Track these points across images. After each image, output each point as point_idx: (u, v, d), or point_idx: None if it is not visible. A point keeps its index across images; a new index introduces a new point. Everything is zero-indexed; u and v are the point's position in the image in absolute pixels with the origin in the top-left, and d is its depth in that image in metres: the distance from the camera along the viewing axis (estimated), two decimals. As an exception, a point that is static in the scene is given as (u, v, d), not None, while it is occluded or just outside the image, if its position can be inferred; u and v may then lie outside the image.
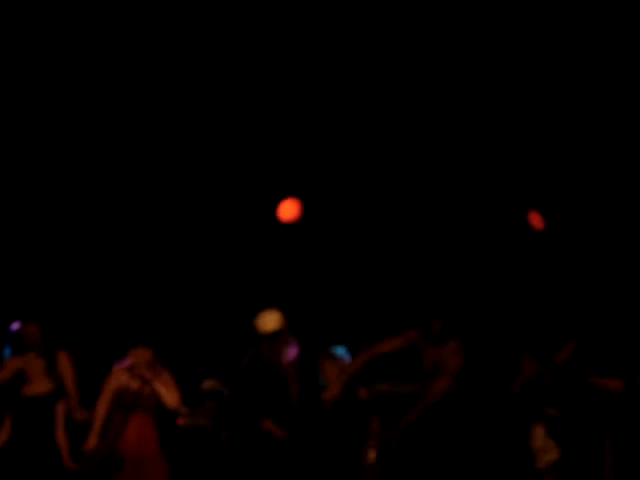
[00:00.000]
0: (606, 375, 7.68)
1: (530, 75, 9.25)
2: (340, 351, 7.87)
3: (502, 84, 9.32)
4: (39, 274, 9.50)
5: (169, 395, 7.33)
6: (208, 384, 8.83)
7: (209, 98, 9.46)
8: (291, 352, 7.99)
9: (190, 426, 8.45)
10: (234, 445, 7.96)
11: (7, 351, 7.51)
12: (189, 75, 9.36)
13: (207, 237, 9.83)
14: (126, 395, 7.34)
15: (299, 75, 9.39)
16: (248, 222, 9.79)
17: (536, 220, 9.52)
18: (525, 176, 9.57)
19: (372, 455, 7.66)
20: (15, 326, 7.55)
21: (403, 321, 8.99)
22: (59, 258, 9.58)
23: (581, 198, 9.48)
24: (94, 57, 9.19)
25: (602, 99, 9.18)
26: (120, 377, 7.39)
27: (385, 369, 8.25)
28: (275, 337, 7.88)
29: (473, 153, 9.61)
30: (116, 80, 9.30)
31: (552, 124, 9.40)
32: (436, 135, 9.60)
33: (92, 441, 7.26)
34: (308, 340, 8.22)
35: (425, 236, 9.82)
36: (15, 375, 7.38)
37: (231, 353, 8.95)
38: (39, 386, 7.37)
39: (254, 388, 7.86)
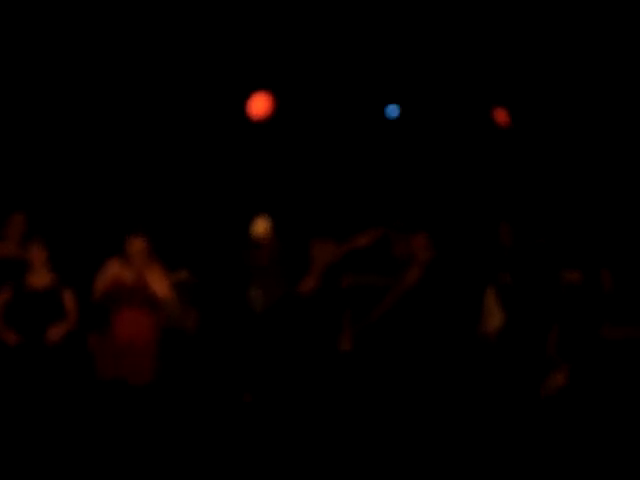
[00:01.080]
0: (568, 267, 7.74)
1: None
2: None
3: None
4: (33, 162, 9.49)
5: (159, 286, 7.40)
6: (180, 275, 8.94)
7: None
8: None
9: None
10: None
11: None
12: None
13: (181, 134, 9.77)
14: (121, 288, 7.40)
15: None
16: (219, 118, 9.73)
17: (501, 116, 9.55)
18: (491, 72, 9.60)
19: (346, 345, 7.83)
20: None
21: (375, 213, 9.37)
22: (54, 149, 9.56)
23: (547, 92, 9.53)
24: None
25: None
26: (114, 269, 7.44)
27: (358, 262, 8.38)
28: (264, 242, 7.97)
29: (438, 47, 9.60)
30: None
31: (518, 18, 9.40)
32: (404, 32, 9.55)
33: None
34: (285, 235, 8.35)
35: (395, 131, 9.84)
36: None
37: (206, 246, 9.08)
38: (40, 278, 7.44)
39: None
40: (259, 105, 9.55)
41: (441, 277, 7.95)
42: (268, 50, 9.52)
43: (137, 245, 7.41)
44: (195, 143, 9.77)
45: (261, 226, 8.08)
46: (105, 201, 9.50)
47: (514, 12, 9.28)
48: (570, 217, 8.84)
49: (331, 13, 9.41)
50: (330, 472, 6.72)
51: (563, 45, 9.30)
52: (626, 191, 9.34)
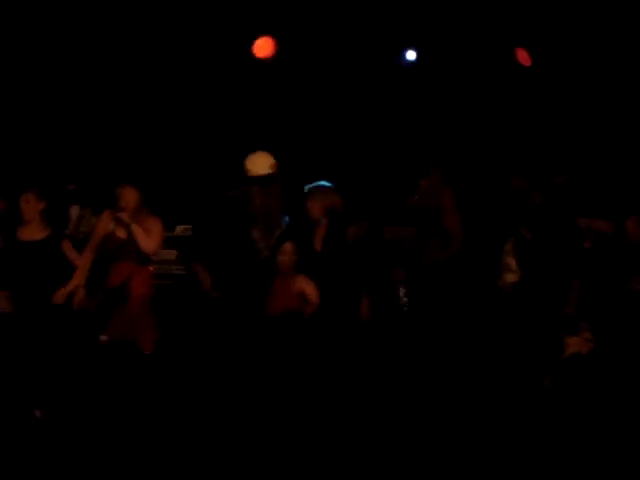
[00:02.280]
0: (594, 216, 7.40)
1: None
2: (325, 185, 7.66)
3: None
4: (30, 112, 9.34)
5: (145, 240, 7.08)
6: (181, 229, 8.66)
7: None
8: None
9: (161, 274, 8.26)
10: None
11: None
12: None
13: (186, 77, 9.58)
14: (112, 242, 7.12)
15: None
16: (224, 60, 9.47)
17: (523, 56, 9.27)
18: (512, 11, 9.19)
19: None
20: None
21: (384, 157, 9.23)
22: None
23: (567, 33, 9.12)
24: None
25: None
26: (107, 224, 7.14)
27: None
28: (267, 181, 7.58)
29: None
30: None
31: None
32: None
33: (74, 283, 7.04)
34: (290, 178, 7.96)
35: (409, 72, 9.59)
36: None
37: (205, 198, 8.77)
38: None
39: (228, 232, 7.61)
40: (264, 46, 9.37)
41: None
42: None
43: (129, 194, 7.12)
44: (194, 85, 9.59)
45: (258, 162, 7.60)
46: (100, 152, 9.36)
47: None
48: (593, 163, 8.33)
49: None
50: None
51: None
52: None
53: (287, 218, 7.61)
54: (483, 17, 9.24)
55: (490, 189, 8.34)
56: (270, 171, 7.52)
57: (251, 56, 9.36)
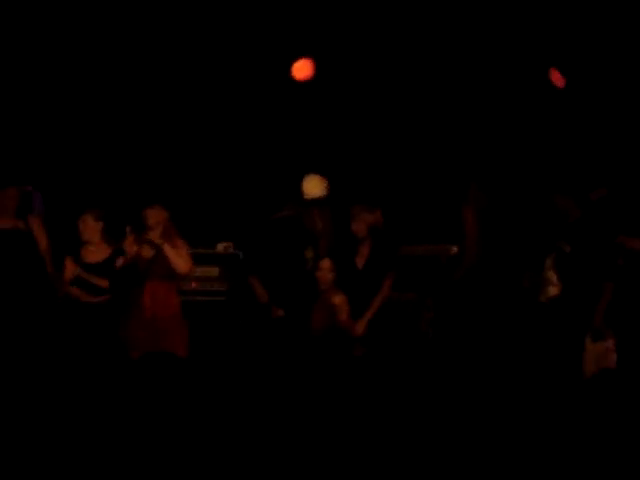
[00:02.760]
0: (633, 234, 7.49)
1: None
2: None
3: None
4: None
5: (179, 261, 7.20)
6: (222, 246, 8.79)
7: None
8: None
9: (203, 291, 8.41)
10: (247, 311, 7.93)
11: None
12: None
13: (222, 98, 9.62)
14: (140, 263, 7.22)
15: None
16: (263, 81, 9.52)
17: (556, 77, 9.24)
18: (546, 34, 9.24)
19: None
20: None
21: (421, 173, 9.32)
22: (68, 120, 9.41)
23: (600, 55, 9.17)
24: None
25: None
26: (132, 246, 7.23)
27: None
28: (322, 202, 7.75)
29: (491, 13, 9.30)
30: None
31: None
32: None
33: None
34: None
35: (444, 92, 9.57)
36: None
37: (246, 216, 8.91)
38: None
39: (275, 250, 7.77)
40: (302, 68, 9.37)
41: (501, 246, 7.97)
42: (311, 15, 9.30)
43: (156, 216, 7.24)
44: (235, 108, 9.63)
45: (316, 185, 7.80)
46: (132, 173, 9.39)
47: None
48: (628, 182, 8.42)
49: None
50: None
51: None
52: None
53: None
54: (517, 38, 9.31)
55: (531, 206, 8.46)
56: (326, 193, 7.75)
57: (290, 78, 9.40)
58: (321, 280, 7.46)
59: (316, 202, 7.86)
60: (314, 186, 7.86)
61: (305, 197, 7.89)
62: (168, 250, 7.16)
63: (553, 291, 7.65)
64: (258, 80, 9.50)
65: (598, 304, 7.27)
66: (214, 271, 8.64)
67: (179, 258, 7.19)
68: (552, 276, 7.67)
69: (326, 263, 7.51)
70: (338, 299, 7.39)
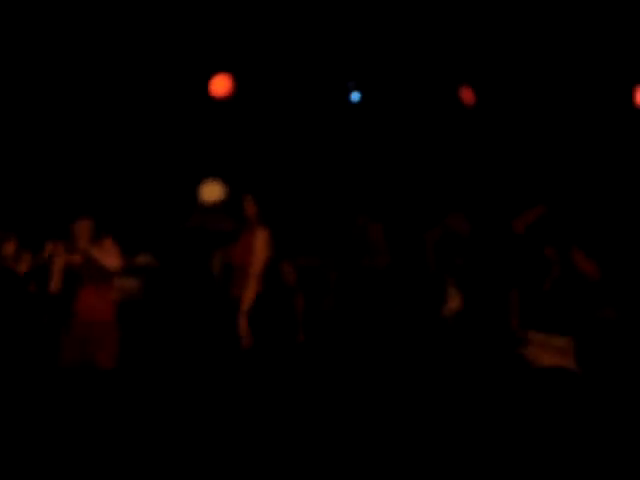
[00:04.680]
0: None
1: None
2: None
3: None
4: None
5: (108, 259, 7.31)
6: (142, 259, 8.84)
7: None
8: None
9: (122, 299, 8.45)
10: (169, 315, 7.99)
11: None
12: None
13: (143, 113, 9.72)
14: (72, 269, 7.34)
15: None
16: (181, 98, 9.64)
17: (467, 95, 9.54)
18: (458, 50, 9.53)
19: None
20: None
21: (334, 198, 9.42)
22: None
23: (511, 73, 9.50)
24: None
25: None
26: (61, 255, 7.34)
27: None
28: (218, 208, 7.83)
29: (402, 28, 9.51)
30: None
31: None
32: (368, 12, 9.42)
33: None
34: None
35: (360, 112, 9.82)
36: None
37: (164, 228, 8.98)
38: None
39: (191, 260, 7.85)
40: (221, 85, 9.47)
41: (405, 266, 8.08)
42: (231, 32, 9.43)
43: (82, 227, 7.38)
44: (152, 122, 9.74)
45: (213, 190, 7.89)
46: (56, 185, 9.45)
47: None
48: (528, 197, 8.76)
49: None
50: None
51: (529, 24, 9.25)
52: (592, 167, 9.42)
53: None
54: (428, 56, 9.57)
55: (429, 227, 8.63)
56: (224, 198, 7.82)
57: (208, 94, 9.51)
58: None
59: (215, 207, 7.93)
60: (211, 191, 7.94)
61: (203, 202, 7.96)
62: (94, 252, 7.28)
63: (454, 304, 7.88)
64: (175, 93, 9.60)
65: (510, 311, 7.46)
66: (133, 282, 8.68)
67: (107, 257, 7.31)
68: (452, 291, 7.92)
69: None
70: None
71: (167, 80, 9.59)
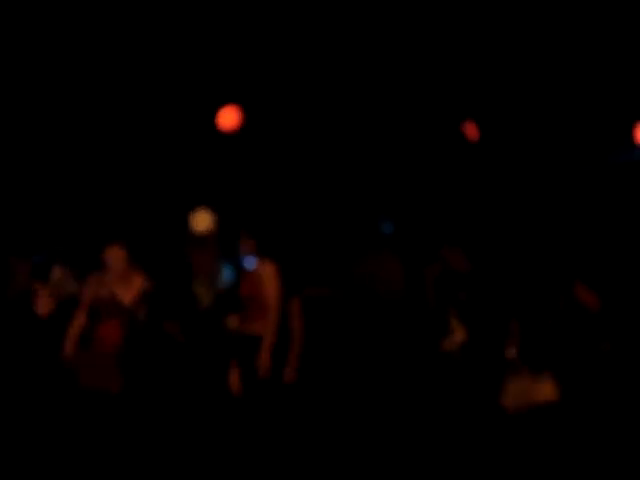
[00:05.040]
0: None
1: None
2: None
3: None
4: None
5: (126, 297, 7.28)
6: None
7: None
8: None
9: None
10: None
11: None
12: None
13: (147, 146, 9.76)
14: (99, 303, 7.27)
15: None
16: (188, 130, 9.68)
17: (471, 130, 9.59)
18: (461, 87, 9.61)
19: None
20: None
21: (341, 230, 9.51)
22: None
23: (516, 108, 9.58)
24: None
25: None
26: (91, 286, 7.30)
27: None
28: (205, 238, 7.85)
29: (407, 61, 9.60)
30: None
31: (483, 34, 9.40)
32: (372, 46, 9.52)
33: (68, 349, 7.24)
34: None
35: (362, 147, 9.83)
36: None
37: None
38: None
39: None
40: (228, 118, 9.50)
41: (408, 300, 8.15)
42: (239, 64, 9.51)
43: (115, 256, 7.28)
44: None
45: (202, 220, 7.92)
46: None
47: (483, 28, 9.29)
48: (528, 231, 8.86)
49: (300, 29, 9.39)
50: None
51: (532, 57, 9.35)
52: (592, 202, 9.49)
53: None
54: (433, 91, 9.65)
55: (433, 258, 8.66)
56: (210, 226, 7.83)
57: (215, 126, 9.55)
58: None
59: (203, 237, 7.93)
60: (201, 221, 7.94)
61: (193, 231, 7.97)
62: (118, 289, 7.25)
63: (459, 337, 7.90)
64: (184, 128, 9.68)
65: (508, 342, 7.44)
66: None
67: (127, 295, 7.28)
68: (455, 324, 7.94)
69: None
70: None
71: (174, 111, 9.66)
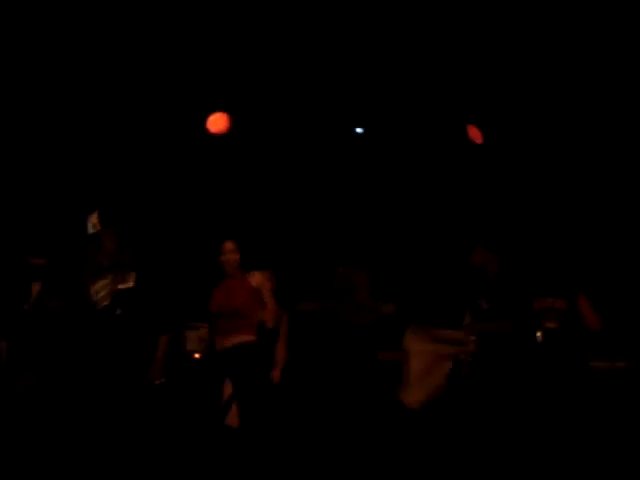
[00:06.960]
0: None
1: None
2: None
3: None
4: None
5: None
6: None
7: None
8: None
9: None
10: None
11: None
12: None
13: (138, 151, 9.61)
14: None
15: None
16: (178, 134, 9.52)
17: (474, 134, 9.37)
18: (464, 89, 9.35)
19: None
20: None
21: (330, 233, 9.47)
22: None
23: (519, 111, 9.32)
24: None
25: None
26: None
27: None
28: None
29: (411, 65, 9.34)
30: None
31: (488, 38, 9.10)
32: (374, 47, 9.24)
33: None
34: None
35: (360, 149, 9.70)
36: None
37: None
38: None
39: None
40: (217, 122, 9.39)
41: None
42: (227, 69, 9.32)
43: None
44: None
45: (91, 221, 7.70)
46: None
47: (487, 30, 9.00)
48: (546, 239, 8.49)
49: (294, 30, 9.13)
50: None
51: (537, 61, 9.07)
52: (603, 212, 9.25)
53: None
54: (436, 94, 9.39)
55: (451, 263, 8.45)
56: (96, 226, 7.60)
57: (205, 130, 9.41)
58: (227, 263, 7.16)
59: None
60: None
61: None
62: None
63: (470, 347, 7.58)
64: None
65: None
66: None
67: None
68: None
69: (229, 245, 7.16)
70: (256, 279, 7.15)
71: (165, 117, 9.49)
